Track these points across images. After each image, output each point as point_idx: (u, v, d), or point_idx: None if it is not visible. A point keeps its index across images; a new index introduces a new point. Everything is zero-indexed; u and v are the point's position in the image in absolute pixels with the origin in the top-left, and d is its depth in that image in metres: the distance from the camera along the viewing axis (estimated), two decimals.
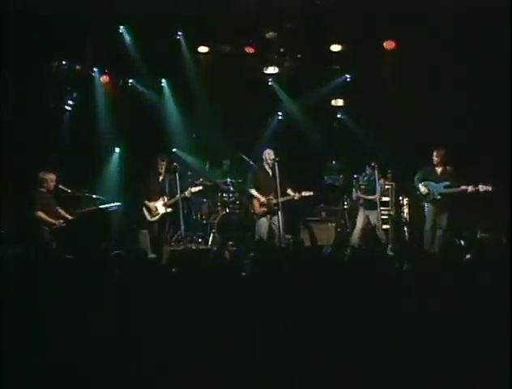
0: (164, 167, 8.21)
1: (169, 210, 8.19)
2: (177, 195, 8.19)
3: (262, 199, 8.29)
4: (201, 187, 9.00)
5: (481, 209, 8.98)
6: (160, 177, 8.23)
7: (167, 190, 8.15)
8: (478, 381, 3.06)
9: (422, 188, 8.42)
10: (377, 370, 3.13)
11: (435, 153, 8.40)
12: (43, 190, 7.85)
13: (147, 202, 8.17)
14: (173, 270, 4.48)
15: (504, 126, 8.88)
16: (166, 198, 8.16)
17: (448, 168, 8.42)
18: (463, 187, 8.14)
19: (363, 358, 3.16)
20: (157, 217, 8.16)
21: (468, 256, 4.71)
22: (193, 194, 8.70)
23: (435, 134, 9.40)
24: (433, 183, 8.39)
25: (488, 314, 3.37)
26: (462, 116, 9.49)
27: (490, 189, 7.98)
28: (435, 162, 8.42)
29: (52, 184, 7.88)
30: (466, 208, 8.99)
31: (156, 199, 8.19)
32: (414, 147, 9.03)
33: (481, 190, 8.03)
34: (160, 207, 8.17)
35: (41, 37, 8.68)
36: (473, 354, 3.16)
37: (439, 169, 8.48)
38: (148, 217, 8.18)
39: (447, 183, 8.30)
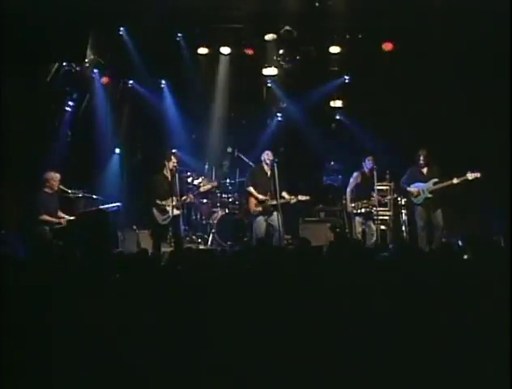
0: (174, 164, 8.12)
1: (179, 211, 8.10)
2: (187, 196, 8.21)
3: (261, 197, 8.31)
4: (209, 186, 9.02)
5: (479, 209, 9.03)
6: (170, 176, 8.11)
7: (176, 190, 8.03)
8: (478, 381, 3.08)
9: (412, 189, 8.48)
10: (376, 370, 3.14)
11: (421, 154, 8.47)
12: (47, 190, 7.83)
13: (158, 203, 8.09)
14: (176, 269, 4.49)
15: (503, 124, 8.93)
16: (175, 200, 8.06)
17: (434, 167, 8.48)
18: (453, 180, 8.20)
19: (361, 359, 3.18)
20: (169, 220, 8.13)
21: (467, 256, 4.73)
22: (202, 193, 8.67)
23: (434, 134, 9.45)
24: (421, 183, 8.44)
25: (488, 314, 3.38)
26: (461, 116, 9.53)
27: (479, 175, 8.03)
28: (421, 162, 8.48)
29: (55, 184, 7.87)
30: (465, 208, 9.04)
31: (166, 200, 8.10)
32: (413, 147, 9.04)
33: (470, 177, 8.09)
34: (171, 208, 8.07)
35: (41, 38, 8.67)
36: (473, 354, 3.17)
37: (425, 169, 8.54)
38: (159, 219, 8.12)
39: (436, 180, 8.36)
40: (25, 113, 9.08)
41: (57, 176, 7.90)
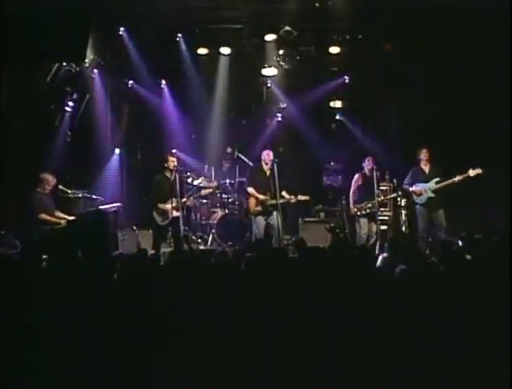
0: (174, 164, 8.10)
1: (179, 213, 8.04)
2: (187, 199, 8.21)
3: (261, 197, 8.31)
4: (211, 190, 9.03)
5: (479, 208, 9.03)
6: (171, 177, 8.08)
7: (177, 191, 7.97)
8: (478, 381, 3.08)
9: (415, 189, 8.46)
10: (376, 369, 3.14)
11: (421, 152, 8.47)
12: (39, 190, 7.83)
13: (159, 205, 8.06)
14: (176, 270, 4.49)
15: (503, 124, 8.94)
16: (175, 201, 8.01)
17: (436, 167, 8.48)
18: (456, 178, 8.19)
19: (360, 359, 3.18)
20: (167, 221, 8.11)
21: (467, 257, 4.74)
22: (202, 196, 8.66)
23: (434, 133, 9.45)
24: (422, 184, 8.43)
25: (488, 314, 3.38)
26: (461, 116, 9.54)
27: (480, 171, 8.04)
28: (423, 160, 8.49)
29: (48, 186, 7.84)
30: (465, 208, 9.04)
31: (166, 201, 8.06)
32: (413, 147, 9.05)
33: (472, 174, 8.09)
34: (170, 210, 8.02)
35: (41, 37, 8.66)
36: (473, 355, 3.17)
37: (427, 169, 8.54)
38: (159, 221, 8.11)
39: (438, 179, 8.36)
40: (25, 113, 9.07)
41: (51, 178, 7.87)
